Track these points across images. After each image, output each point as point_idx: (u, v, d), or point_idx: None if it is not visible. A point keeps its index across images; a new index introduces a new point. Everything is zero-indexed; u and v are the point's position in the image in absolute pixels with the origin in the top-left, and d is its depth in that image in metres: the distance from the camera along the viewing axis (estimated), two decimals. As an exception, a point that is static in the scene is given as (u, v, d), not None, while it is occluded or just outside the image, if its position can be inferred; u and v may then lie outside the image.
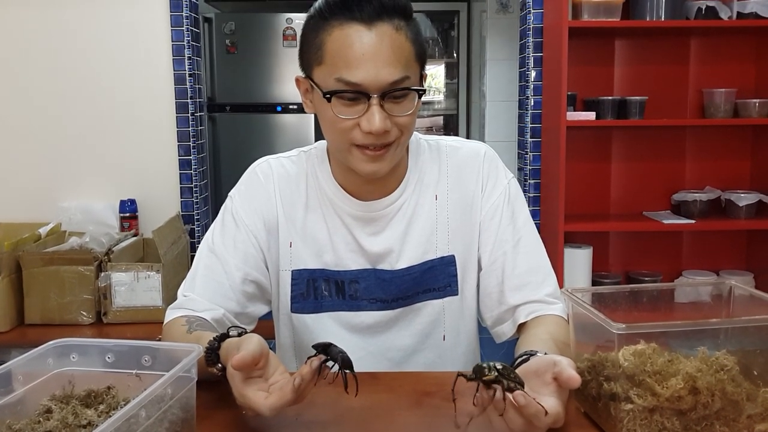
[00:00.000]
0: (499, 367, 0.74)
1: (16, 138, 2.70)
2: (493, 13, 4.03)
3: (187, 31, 2.67)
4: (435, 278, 1.14)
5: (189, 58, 2.69)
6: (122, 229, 2.67)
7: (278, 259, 1.15)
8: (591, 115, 2.69)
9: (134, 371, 0.82)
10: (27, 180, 2.71)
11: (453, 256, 1.15)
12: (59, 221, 2.58)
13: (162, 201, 2.74)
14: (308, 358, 0.81)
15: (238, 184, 1.18)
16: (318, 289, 1.14)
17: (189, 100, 2.71)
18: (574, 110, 2.75)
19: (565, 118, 2.57)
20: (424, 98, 1.16)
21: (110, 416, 0.69)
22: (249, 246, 1.13)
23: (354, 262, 1.13)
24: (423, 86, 1.05)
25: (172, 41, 2.67)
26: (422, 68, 1.04)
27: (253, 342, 0.80)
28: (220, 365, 0.87)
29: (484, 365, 0.74)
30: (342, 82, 0.98)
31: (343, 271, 1.14)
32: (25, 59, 2.66)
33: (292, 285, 1.14)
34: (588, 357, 0.86)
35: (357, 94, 0.98)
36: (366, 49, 0.97)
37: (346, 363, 0.82)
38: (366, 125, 0.98)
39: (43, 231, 2.44)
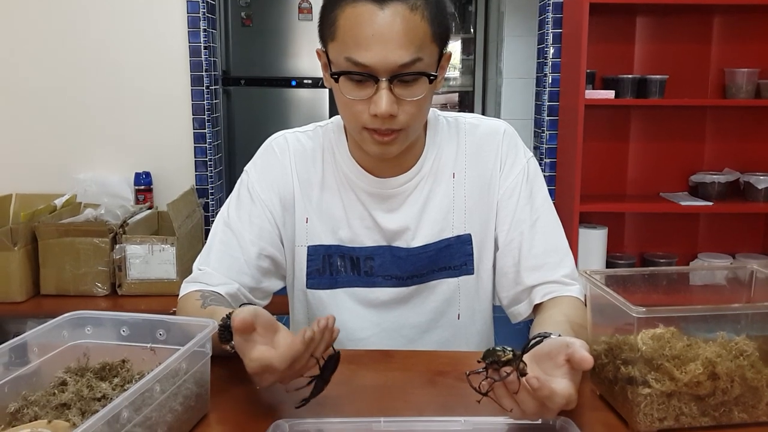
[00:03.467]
0: (509, 348, 0.74)
1: (33, 111, 2.70)
2: (512, -12, 3.96)
3: (203, 2, 2.65)
4: (451, 257, 1.13)
5: (204, 31, 2.66)
6: (137, 201, 2.68)
7: (294, 235, 1.14)
8: (610, 94, 2.64)
9: (149, 345, 0.83)
10: (43, 152, 2.71)
11: (469, 235, 1.14)
12: (74, 193, 2.59)
13: (177, 174, 2.74)
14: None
15: (254, 158, 1.17)
16: (333, 265, 1.13)
17: (204, 73, 2.69)
18: (593, 88, 2.71)
19: (583, 96, 2.54)
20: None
21: (125, 390, 0.69)
22: (264, 221, 1.12)
23: (369, 239, 1.13)
24: (439, 67, 1.01)
25: (188, 13, 2.65)
26: (442, 48, 1.01)
27: (252, 308, 0.80)
28: (233, 342, 0.86)
29: (498, 348, 0.73)
30: (351, 62, 0.96)
31: (359, 248, 1.13)
32: (40, 32, 2.65)
33: (307, 261, 1.14)
34: (605, 340, 0.85)
35: (365, 76, 0.96)
36: (376, 29, 0.94)
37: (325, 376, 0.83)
38: (373, 108, 0.97)
39: (58, 202, 2.46)
